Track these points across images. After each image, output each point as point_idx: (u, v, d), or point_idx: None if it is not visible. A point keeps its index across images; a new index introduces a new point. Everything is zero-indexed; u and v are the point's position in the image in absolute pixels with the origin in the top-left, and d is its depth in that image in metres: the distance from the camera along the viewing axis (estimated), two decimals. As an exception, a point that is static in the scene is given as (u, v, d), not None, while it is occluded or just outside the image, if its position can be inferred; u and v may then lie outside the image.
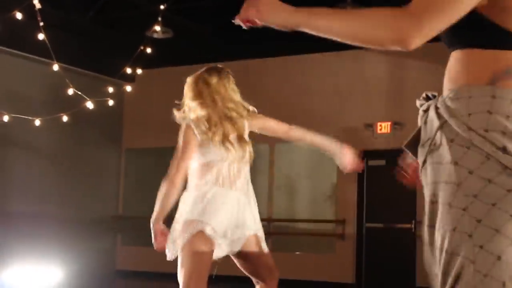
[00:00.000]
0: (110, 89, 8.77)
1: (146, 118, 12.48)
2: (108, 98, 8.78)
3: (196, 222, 3.44)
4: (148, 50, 8.26)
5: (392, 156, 10.63)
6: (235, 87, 3.77)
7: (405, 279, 10.45)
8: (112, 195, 12.74)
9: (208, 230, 3.43)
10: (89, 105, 8.42)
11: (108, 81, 10.17)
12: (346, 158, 3.80)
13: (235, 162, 3.59)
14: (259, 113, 3.89)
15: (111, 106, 9.03)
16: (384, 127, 10.75)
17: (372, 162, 11.06)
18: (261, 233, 3.74)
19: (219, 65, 3.85)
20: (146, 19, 8.68)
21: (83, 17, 10.36)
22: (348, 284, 10.84)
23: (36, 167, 11.14)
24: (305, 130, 3.95)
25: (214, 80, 3.69)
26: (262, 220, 3.89)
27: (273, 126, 3.93)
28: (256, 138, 4.02)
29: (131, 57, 8.24)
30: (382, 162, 11.00)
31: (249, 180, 3.73)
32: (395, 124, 10.69)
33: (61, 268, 9.51)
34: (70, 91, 8.24)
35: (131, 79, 9.65)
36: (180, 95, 3.79)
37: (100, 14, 10.37)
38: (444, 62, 2.16)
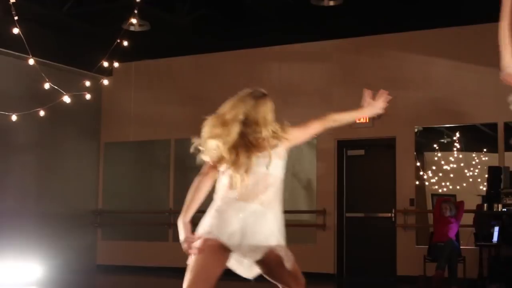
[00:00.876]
0: (87, 83, 8.71)
1: (124, 112, 12.41)
2: (86, 92, 8.73)
3: (209, 231, 3.47)
4: (125, 43, 8.21)
5: (371, 145, 10.64)
6: (259, 112, 3.59)
7: (385, 268, 10.52)
8: (91, 190, 12.67)
9: (220, 239, 3.45)
10: (66, 99, 8.37)
11: (85, 75, 10.09)
12: (370, 103, 3.86)
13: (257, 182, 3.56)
14: None
15: (88, 100, 8.98)
16: (362, 117, 10.77)
17: (351, 152, 11.11)
18: (281, 243, 3.69)
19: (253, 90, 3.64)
20: (122, 12, 8.63)
21: (59, 10, 10.27)
22: (330, 274, 10.88)
23: (14, 162, 11.04)
24: (334, 114, 3.82)
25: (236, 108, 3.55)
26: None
27: (311, 131, 3.79)
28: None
29: (107, 51, 8.18)
30: (361, 152, 11.05)
31: (278, 196, 3.63)
32: (374, 114, 10.71)
33: (41, 264, 9.46)
34: (47, 86, 8.18)
35: (108, 72, 9.57)
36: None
37: (76, 7, 10.29)
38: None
